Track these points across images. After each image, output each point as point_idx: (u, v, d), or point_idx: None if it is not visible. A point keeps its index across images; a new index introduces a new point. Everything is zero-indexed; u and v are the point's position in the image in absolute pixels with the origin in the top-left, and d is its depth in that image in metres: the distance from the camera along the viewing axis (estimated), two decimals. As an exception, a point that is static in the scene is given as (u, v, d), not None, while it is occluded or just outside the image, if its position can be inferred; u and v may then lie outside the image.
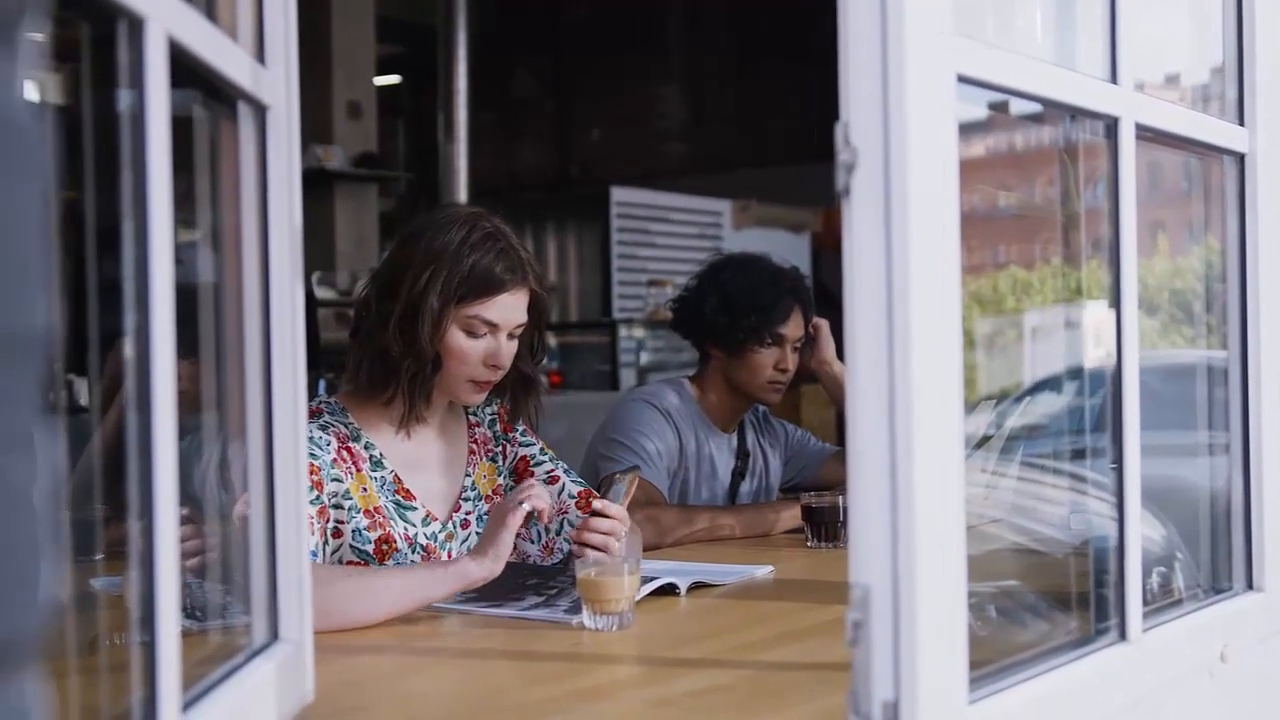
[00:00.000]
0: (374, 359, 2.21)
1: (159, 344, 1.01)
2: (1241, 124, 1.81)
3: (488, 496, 2.36)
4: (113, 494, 1.13)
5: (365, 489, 2.19)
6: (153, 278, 1.01)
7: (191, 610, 1.36)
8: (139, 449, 1.01)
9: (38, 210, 0.58)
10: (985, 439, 2.25)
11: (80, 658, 1.20)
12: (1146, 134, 1.57)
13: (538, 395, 2.38)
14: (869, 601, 1.17)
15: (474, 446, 2.38)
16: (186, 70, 1.11)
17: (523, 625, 1.93)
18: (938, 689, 1.17)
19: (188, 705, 1.10)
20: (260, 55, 1.34)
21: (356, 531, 2.16)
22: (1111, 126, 1.51)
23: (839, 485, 2.95)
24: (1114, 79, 1.51)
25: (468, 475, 2.35)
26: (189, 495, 1.15)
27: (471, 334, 2.20)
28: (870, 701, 1.17)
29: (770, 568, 2.38)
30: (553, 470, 2.40)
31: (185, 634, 1.07)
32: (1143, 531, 1.56)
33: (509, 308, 2.21)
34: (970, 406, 1.28)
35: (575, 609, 1.92)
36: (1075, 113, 1.55)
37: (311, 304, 1.80)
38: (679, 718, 1.49)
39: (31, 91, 0.59)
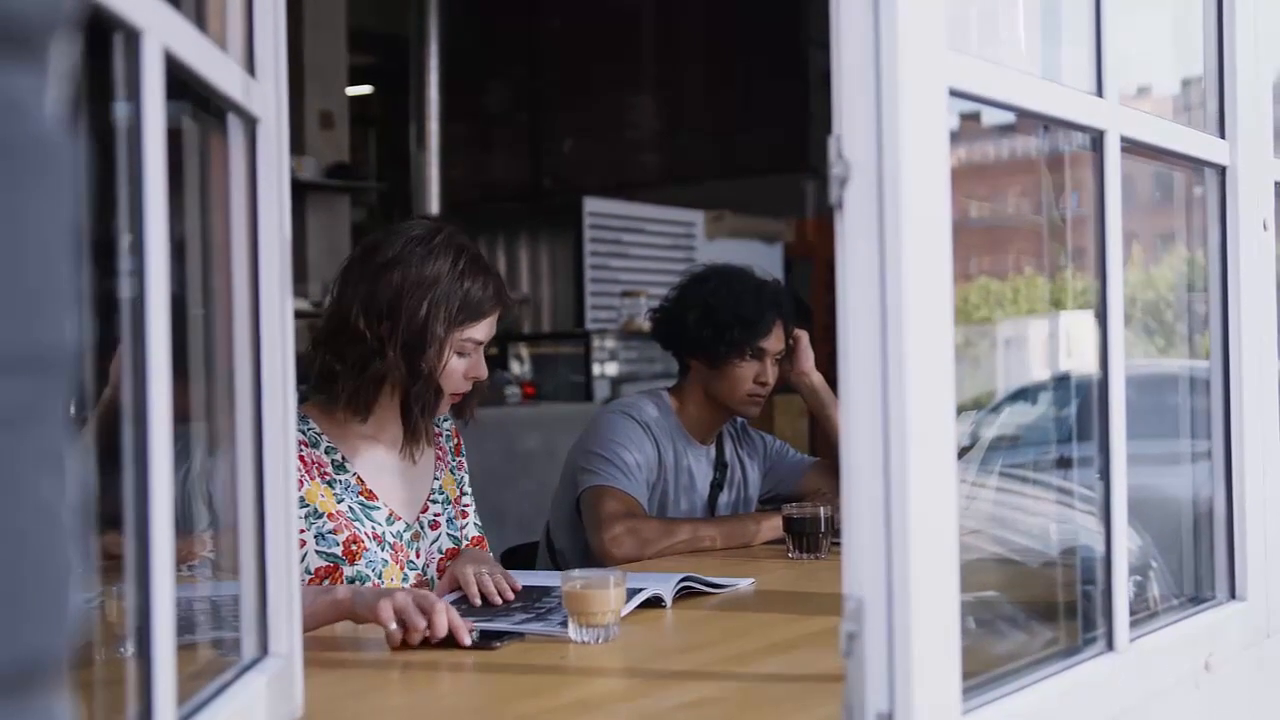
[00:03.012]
0: (370, 384, 2.25)
1: (154, 357, 1.00)
2: (1222, 136, 1.82)
3: (455, 501, 2.44)
4: (97, 507, 1.13)
5: (323, 495, 2.23)
6: (149, 290, 1.00)
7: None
8: (134, 462, 1.00)
9: (68, 228, 0.58)
10: (963, 450, 2.26)
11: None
12: (1130, 146, 1.58)
13: (484, 390, 2.45)
14: (863, 613, 1.17)
15: (439, 454, 2.46)
16: (177, 81, 1.11)
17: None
18: (932, 699, 1.18)
19: (181, 721, 1.09)
20: (250, 67, 1.34)
21: (320, 536, 2.20)
22: (1098, 139, 1.52)
23: (818, 496, 2.96)
24: (1099, 92, 1.52)
25: (436, 479, 2.42)
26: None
27: (461, 354, 2.29)
28: (865, 713, 1.17)
29: (752, 580, 2.38)
30: (468, 506, 2.51)
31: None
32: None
33: (492, 325, 2.33)
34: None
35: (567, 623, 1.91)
36: (1063, 126, 1.56)
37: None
38: (671, 730, 1.49)
39: (61, 108, 0.59)
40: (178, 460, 1.40)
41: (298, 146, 7.31)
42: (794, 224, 8.63)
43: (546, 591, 2.18)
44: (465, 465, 2.53)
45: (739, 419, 3.19)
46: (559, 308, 8.35)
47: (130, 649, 1.08)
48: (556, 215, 8.45)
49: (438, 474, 2.43)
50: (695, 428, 3.09)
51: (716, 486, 3.13)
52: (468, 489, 2.52)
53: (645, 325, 3.25)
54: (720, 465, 3.15)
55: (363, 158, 9.10)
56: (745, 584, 2.36)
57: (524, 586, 2.20)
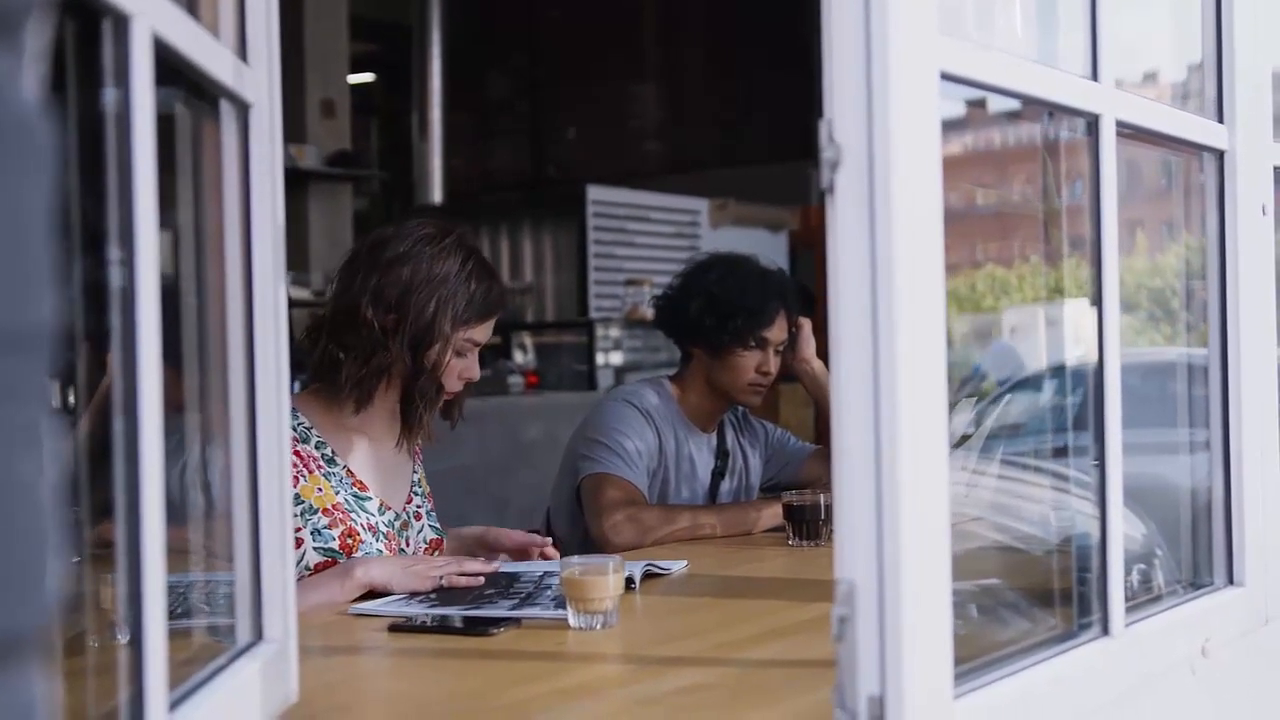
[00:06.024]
0: (373, 375, 2.27)
1: (145, 346, 1.00)
2: (1220, 121, 1.82)
3: (428, 496, 2.50)
4: (92, 496, 1.13)
5: (320, 489, 2.26)
6: (139, 279, 1.00)
7: (173, 610, 1.35)
8: (125, 450, 1.00)
9: (45, 208, 0.59)
10: (964, 437, 2.26)
11: (63, 658, 1.19)
12: (1127, 131, 1.58)
13: (471, 391, 2.48)
14: (854, 597, 1.17)
15: (416, 449, 2.50)
16: (168, 68, 1.11)
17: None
18: (923, 683, 1.18)
19: (174, 705, 1.09)
20: (243, 53, 1.34)
21: (316, 532, 2.23)
22: (1093, 124, 1.52)
23: (819, 484, 2.96)
24: (1095, 76, 1.52)
25: (415, 472, 2.47)
26: (168, 497, 1.15)
27: (460, 354, 2.33)
28: (856, 696, 1.17)
29: (684, 563, 2.40)
30: (427, 506, 2.52)
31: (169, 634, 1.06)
32: (1123, 529, 1.56)
33: (490, 328, 2.38)
34: (950, 404, 1.28)
35: (562, 603, 1.91)
36: (1057, 110, 1.55)
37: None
38: (666, 715, 1.49)
39: (36, 89, 0.60)
40: (176, 452, 1.40)
41: (299, 135, 7.32)
42: (799, 212, 8.63)
43: (516, 577, 2.20)
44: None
45: (740, 407, 3.19)
46: (562, 297, 8.35)
47: (126, 635, 1.08)
48: (560, 204, 8.44)
49: (416, 468, 2.48)
50: (697, 416, 3.09)
51: (718, 475, 3.13)
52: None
53: (649, 314, 3.25)
54: (722, 453, 3.15)
55: (365, 146, 9.10)
56: (678, 566, 2.38)
57: (498, 573, 2.23)
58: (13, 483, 0.55)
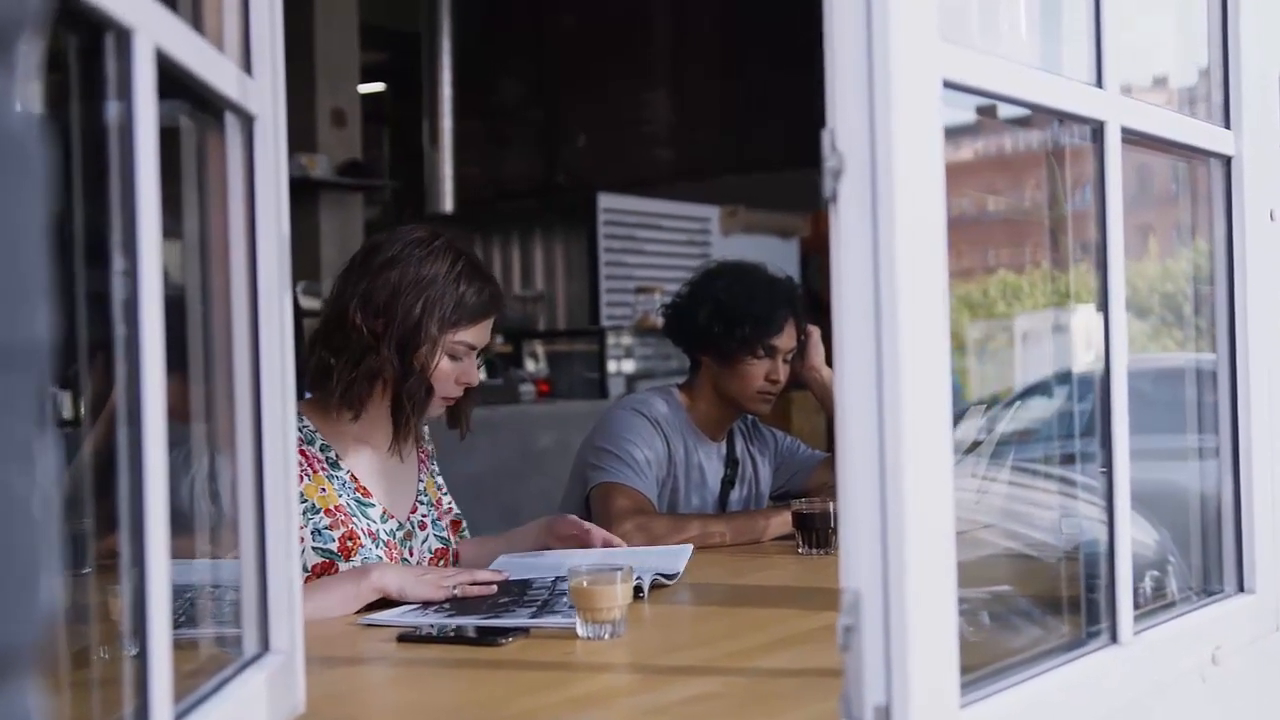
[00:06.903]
0: (363, 379, 2.28)
1: (149, 357, 1.01)
2: (1227, 127, 1.81)
3: (436, 504, 2.49)
4: (101, 507, 1.14)
5: (324, 489, 2.27)
6: (142, 290, 1.00)
7: (180, 620, 1.35)
8: (129, 461, 1.00)
9: (39, 223, 0.59)
10: (975, 444, 2.25)
11: (71, 670, 1.20)
12: (1132, 137, 1.57)
13: (476, 400, 2.48)
14: (860, 606, 1.17)
15: (422, 457, 2.50)
16: (172, 80, 1.11)
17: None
18: (929, 693, 1.17)
19: (179, 717, 1.09)
20: (247, 65, 1.34)
21: (317, 532, 2.24)
22: (1098, 130, 1.52)
23: (829, 491, 2.95)
24: (1099, 83, 1.52)
25: (420, 481, 2.47)
26: (177, 508, 1.16)
27: (453, 357, 2.32)
28: (862, 706, 1.17)
29: (689, 547, 2.43)
30: (450, 501, 2.56)
31: (175, 645, 1.06)
32: (1135, 536, 1.56)
33: (487, 331, 2.36)
34: (960, 411, 1.28)
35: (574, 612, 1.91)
36: (1062, 117, 1.55)
37: (296, 314, 1.88)
38: (672, 725, 1.49)
39: (30, 105, 0.60)
40: (185, 464, 1.40)
41: (310, 144, 7.31)
42: (810, 218, 8.62)
43: (528, 585, 2.20)
44: (436, 469, 2.57)
45: (750, 415, 3.19)
46: (574, 305, 8.34)
47: (136, 647, 1.09)
48: (571, 212, 8.44)
49: (421, 477, 2.48)
50: (706, 424, 3.09)
51: (728, 483, 3.13)
52: (444, 485, 2.56)
53: (660, 321, 3.26)
54: (731, 462, 3.15)
55: (376, 155, 9.09)
56: (685, 553, 2.41)
57: (510, 581, 2.22)
58: (6, 498, 0.55)
